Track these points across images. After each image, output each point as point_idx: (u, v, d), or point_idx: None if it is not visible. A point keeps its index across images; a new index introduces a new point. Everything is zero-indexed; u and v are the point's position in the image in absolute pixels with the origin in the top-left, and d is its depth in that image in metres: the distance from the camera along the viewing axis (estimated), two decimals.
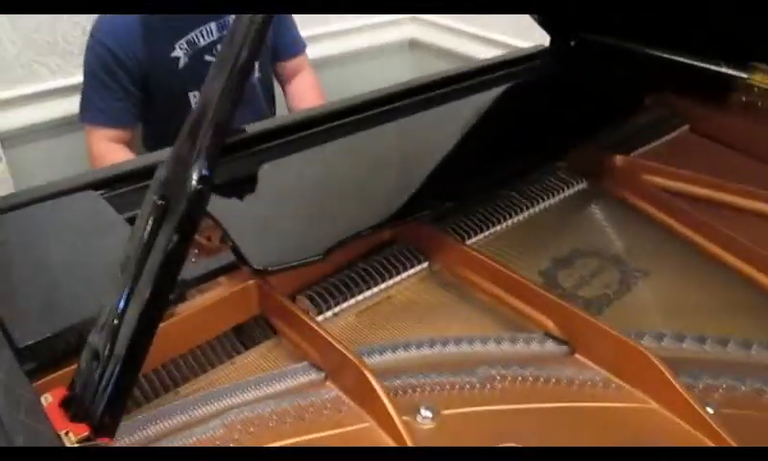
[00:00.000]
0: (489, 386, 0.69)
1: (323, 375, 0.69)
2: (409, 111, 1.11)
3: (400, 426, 0.61)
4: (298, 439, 0.63)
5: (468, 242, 0.88)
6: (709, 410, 0.65)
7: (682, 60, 1.21)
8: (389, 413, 0.62)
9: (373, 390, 0.63)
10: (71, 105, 1.50)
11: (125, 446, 0.60)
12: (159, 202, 0.48)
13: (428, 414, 0.65)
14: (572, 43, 1.31)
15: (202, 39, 1.46)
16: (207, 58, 1.46)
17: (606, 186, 1.01)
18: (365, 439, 0.63)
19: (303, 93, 1.67)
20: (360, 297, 0.80)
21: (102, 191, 0.86)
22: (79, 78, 1.50)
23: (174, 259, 0.48)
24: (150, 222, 0.49)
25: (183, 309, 0.73)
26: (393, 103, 1.13)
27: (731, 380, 0.69)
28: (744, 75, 1.16)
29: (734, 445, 0.61)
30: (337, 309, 0.78)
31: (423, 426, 0.64)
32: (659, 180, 1.00)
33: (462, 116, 1.10)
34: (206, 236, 0.86)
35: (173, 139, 0.49)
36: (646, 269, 0.87)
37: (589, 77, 1.23)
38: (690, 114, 1.18)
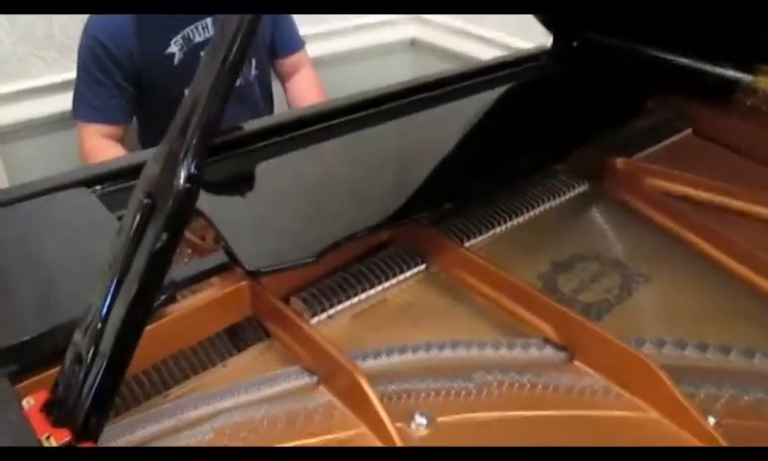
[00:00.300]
0: (485, 392, 0.67)
1: (315, 379, 0.68)
2: (409, 111, 1.09)
3: (393, 433, 0.59)
4: (289, 444, 0.61)
5: (467, 244, 0.86)
6: (711, 420, 0.63)
7: (685, 62, 1.19)
8: (382, 419, 0.60)
9: (366, 395, 0.61)
10: (68, 100, 1.48)
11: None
12: (146, 200, 0.47)
13: (423, 421, 0.63)
14: (575, 44, 1.30)
15: (197, 35, 1.44)
16: (203, 54, 1.44)
17: (607, 189, 1.00)
18: (357, 445, 0.61)
19: (303, 91, 1.65)
20: (355, 299, 0.78)
21: (94, 188, 0.85)
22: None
23: (161, 259, 0.47)
24: (137, 220, 0.47)
25: (175, 310, 0.71)
26: (392, 102, 1.11)
27: (733, 390, 0.68)
28: (749, 78, 1.14)
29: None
30: (332, 311, 0.76)
31: (417, 433, 0.63)
32: (661, 183, 0.99)
33: (462, 117, 1.09)
34: (200, 236, 0.84)
35: None
36: (647, 274, 0.85)
37: (592, 78, 1.21)
38: (694, 117, 1.16)
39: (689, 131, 1.15)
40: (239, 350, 0.74)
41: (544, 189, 0.98)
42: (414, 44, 2.18)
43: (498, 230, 0.91)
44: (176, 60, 1.43)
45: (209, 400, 0.66)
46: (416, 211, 0.84)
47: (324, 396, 0.66)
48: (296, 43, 1.65)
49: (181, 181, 0.45)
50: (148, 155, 0.51)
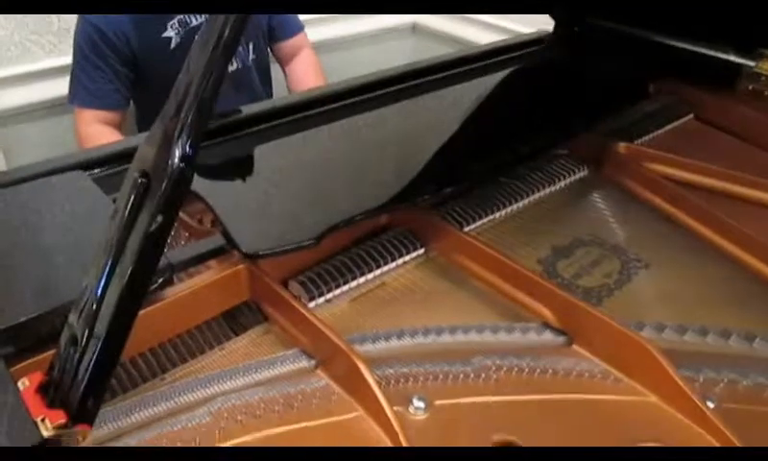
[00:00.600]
0: (483, 376, 0.67)
1: (313, 362, 0.68)
2: (409, 95, 1.09)
3: (391, 417, 0.59)
4: (286, 428, 0.61)
5: (466, 229, 0.86)
6: (710, 405, 0.63)
7: (687, 47, 1.18)
8: (380, 403, 0.60)
9: (364, 379, 0.61)
10: (66, 85, 1.47)
11: (107, 433, 0.59)
12: (141, 180, 0.46)
13: (421, 404, 0.63)
14: (576, 29, 1.29)
15: (194, 19, 1.43)
16: (198, 34, 1.42)
17: (608, 174, 0.99)
18: (354, 429, 0.61)
19: (303, 74, 1.64)
20: (354, 283, 0.78)
21: (91, 172, 0.84)
22: None
23: (155, 240, 0.46)
24: (131, 201, 0.46)
25: (172, 293, 0.71)
26: (392, 86, 1.10)
27: (732, 374, 0.67)
28: (751, 63, 1.14)
29: (735, 440, 0.59)
30: (330, 296, 0.76)
31: (416, 417, 0.63)
32: (662, 168, 0.98)
33: (463, 101, 1.08)
34: (198, 219, 0.84)
35: None
36: (647, 259, 0.85)
37: (593, 63, 1.20)
38: (696, 102, 1.15)
39: (691, 116, 1.15)
40: (237, 333, 0.74)
41: (545, 174, 0.97)
42: (415, 29, 2.16)
43: (498, 214, 0.90)
44: (173, 43, 1.42)
45: (206, 384, 0.65)
46: (415, 195, 0.84)
47: (322, 380, 0.66)
48: (294, 27, 1.64)
49: (176, 160, 0.44)
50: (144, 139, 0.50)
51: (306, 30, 1.69)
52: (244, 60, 1.49)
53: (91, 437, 0.55)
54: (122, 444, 0.59)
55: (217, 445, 0.59)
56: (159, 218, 0.46)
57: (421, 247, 0.83)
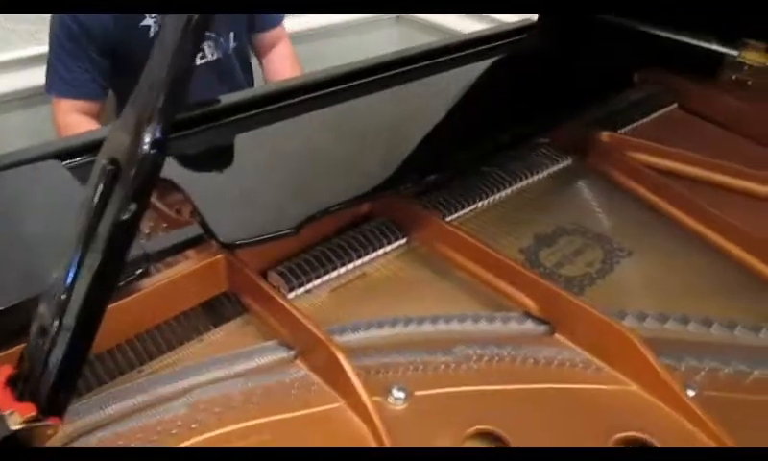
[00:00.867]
0: (464, 366, 0.66)
1: (292, 353, 0.67)
2: (392, 84, 1.08)
3: (370, 407, 0.58)
4: (264, 420, 0.60)
5: (448, 218, 0.85)
6: (691, 393, 0.63)
7: (672, 36, 1.18)
8: (359, 394, 0.59)
9: (343, 370, 0.60)
10: (43, 74, 1.44)
11: (79, 426, 0.58)
12: (110, 167, 0.45)
13: (401, 394, 0.62)
14: (560, 18, 1.28)
15: None
16: (167, 17, 1.40)
17: (592, 163, 0.99)
18: (334, 420, 0.61)
19: (279, 65, 1.62)
20: (334, 273, 0.77)
21: (67, 161, 0.82)
22: None
23: (126, 228, 0.45)
24: (100, 188, 0.45)
25: (149, 283, 0.69)
26: (375, 75, 1.09)
27: (714, 362, 0.67)
28: (735, 52, 1.13)
29: (714, 428, 0.58)
30: (310, 286, 0.75)
31: (395, 407, 0.62)
32: (645, 157, 0.98)
33: (446, 90, 1.07)
34: (176, 209, 0.82)
35: None
36: (630, 248, 0.85)
37: (577, 52, 1.20)
38: (680, 92, 1.15)
39: (675, 105, 1.14)
40: (216, 325, 0.73)
41: (528, 163, 0.97)
42: (399, 18, 2.15)
43: (481, 203, 0.90)
44: (151, 32, 1.39)
45: (184, 376, 0.65)
46: (397, 184, 0.83)
47: (301, 370, 0.65)
48: (275, 19, 1.62)
49: (146, 146, 0.43)
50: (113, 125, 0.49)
51: (290, 19, 1.68)
52: (225, 50, 1.47)
53: (62, 431, 0.54)
54: (96, 437, 0.57)
55: (194, 437, 0.58)
56: (129, 206, 0.45)
57: (403, 237, 0.82)
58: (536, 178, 0.95)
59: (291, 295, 0.74)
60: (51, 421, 0.48)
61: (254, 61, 1.67)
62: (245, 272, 0.70)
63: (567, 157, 0.99)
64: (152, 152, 0.43)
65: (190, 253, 0.74)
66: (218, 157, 0.89)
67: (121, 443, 0.57)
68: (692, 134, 1.07)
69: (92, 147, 0.85)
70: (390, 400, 0.62)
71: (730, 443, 0.57)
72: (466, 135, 0.94)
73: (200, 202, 0.73)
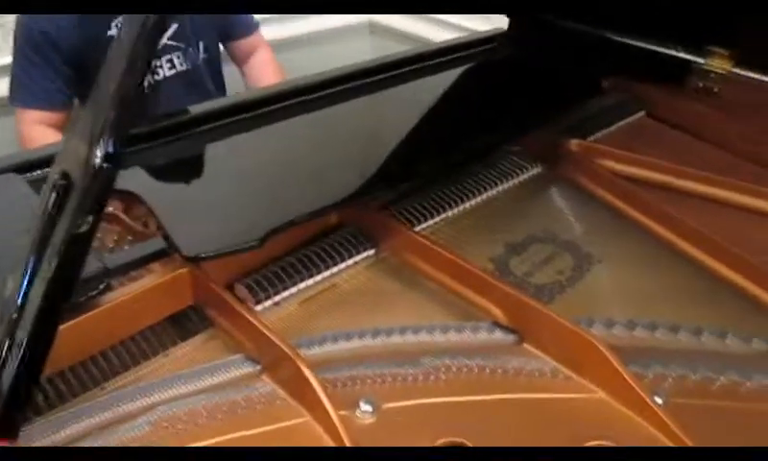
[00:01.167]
0: (433, 377, 0.66)
1: (258, 367, 0.66)
2: (362, 93, 1.07)
3: (336, 421, 0.58)
4: (228, 436, 0.59)
5: (418, 228, 0.85)
6: (658, 400, 0.63)
7: (639, 44, 1.19)
8: (325, 408, 0.58)
9: (309, 383, 0.59)
10: (6, 84, 1.41)
11: (39, 446, 0.56)
12: (62, 181, 0.44)
13: (368, 408, 0.61)
14: (530, 27, 1.29)
15: None
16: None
17: (561, 171, 0.99)
18: (300, 434, 0.60)
19: (259, 72, 1.61)
20: (303, 285, 0.76)
21: (27, 175, 0.81)
22: None
23: (78, 242, 0.44)
24: (51, 202, 0.44)
25: (111, 298, 0.68)
26: (345, 84, 1.08)
27: (681, 369, 0.67)
28: (701, 60, 1.15)
29: (682, 435, 0.59)
30: (277, 298, 0.74)
31: (363, 421, 0.61)
32: (614, 165, 0.98)
33: (416, 99, 1.07)
34: (143, 222, 0.81)
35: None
36: (600, 255, 0.85)
37: (547, 61, 1.20)
38: (647, 99, 1.16)
39: (643, 113, 1.15)
40: (182, 339, 0.72)
41: (498, 172, 0.97)
42: (372, 27, 2.15)
43: (451, 212, 0.89)
44: None
45: (147, 392, 0.63)
46: (366, 194, 0.82)
47: (267, 385, 0.64)
48: (249, 25, 1.61)
49: (98, 159, 0.42)
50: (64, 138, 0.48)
51: (262, 29, 1.67)
52: (195, 61, 1.46)
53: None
54: None
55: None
56: (82, 219, 0.44)
57: (372, 247, 0.82)
58: (506, 186, 0.95)
59: (258, 308, 0.73)
60: (2, 442, 0.47)
61: (227, 71, 1.66)
62: (209, 285, 0.69)
63: (537, 165, 0.99)
64: (105, 165, 0.42)
65: (155, 266, 0.73)
66: (183, 169, 0.88)
67: None
68: (660, 142, 1.08)
69: (52, 160, 0.83)
70: (357, 413, 0.62)
71: None
72: (435, 145, 0.94)
73: (163, 214, 0.72)
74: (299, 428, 0.60)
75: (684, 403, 0.64)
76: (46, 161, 0.82)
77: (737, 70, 1.10)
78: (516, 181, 0.97)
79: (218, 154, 0.91)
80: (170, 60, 1.44)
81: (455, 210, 0.90)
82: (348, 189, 0.83)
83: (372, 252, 0.81)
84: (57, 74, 1.34)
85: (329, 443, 0.58)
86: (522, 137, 1.00)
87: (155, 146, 0.90)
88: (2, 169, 0.79)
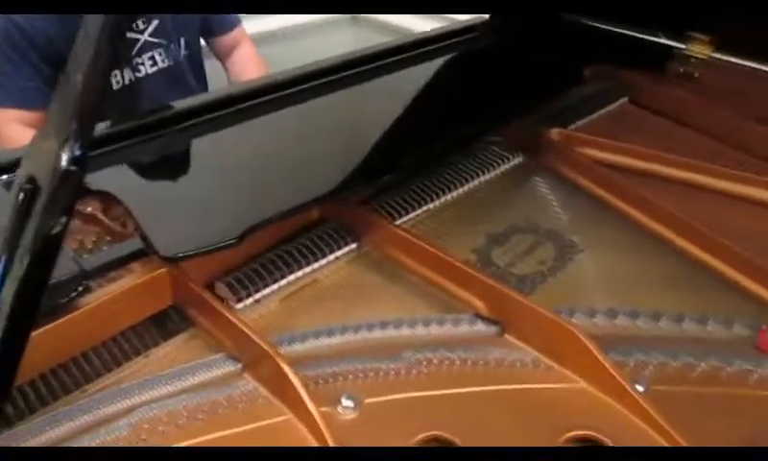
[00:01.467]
0: (415, 371, 0.66)
1: (239, 366, 0.65)
2: (345, 86, 1.06)
3: (318, 418, 0.58)
4: (210, 436, 0.59)
5: (399, 221, 0.85)
6: (639, 388, 0.63)
7: (621, 30, 1.19)
8: (305, 405, 0.58)
9: (289, 381, 0.59)
10: None
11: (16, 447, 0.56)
12: (28, 185, 0.43)
13: (350, 403, 0.61)
14: (512, 15, 1.28)
15: None
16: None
17: (543, 161, 0.99)
18: (282, 432, 0.60)
19: (242, 66, 1.60)
20: (284, 281, 0.76)
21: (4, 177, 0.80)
22: None
23: (46, 246, 0.44)
24: (18, 207, 0.44)
25: (90, 300, 0.68)
26: (328, 77, 1.08)
27: (662, 356, 0.68)
28: (682, 46, 1.15)
29: (663, 422, 0.59)
30: (258, 296, 0.74)
31: (345, 417, 0.61)
32: (595, 153, 0.98)
33: (396, 91, 1.07)
34: (121, 223, 0.80)
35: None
36: (582, 244, 0.85)
37: (528, 49, 1.20)
38: (630, 86, 1.16)
39: (626, 99, 1.15)
40: (164, 339, 0.71)
41: (480, 162, 0.97)
42: (355, 19, 2.14)
43: (432, 205, 0.89)
44: None
45: (128, 394, 0.63)
46: (346, 188, 0.82)
47: (249, 383, 0.64)
48: (230, 20, 1.59)
49: (64, 163, 0.42)
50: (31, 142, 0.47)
51: (244, 22, 1.65)
52: (176, 57, 1.44)
53: None
54: None
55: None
56: (52, 222, 0.43)
57: (354, 241, 0.81)
58: (487, 177, 0.95)
59: (239, 306, 0.72)
60: None
61: (209, 66, 1.64)
62: (188, 285, 0.69)
63: (519, 155, 0.99)
64: (71, 168, 0.42)
65: (135, 266, 0.73)
66: (163, 167, 0.87)
67: None
68: (643, 128, 1.08)
69: None
70: (339, 409, 0.62)
71: (677, 436, 0.58)
72: (417, 137, 0.93)
73: (141, 214, 0.72)
74: (280, 426, 0.60)
75: (666, 390, 0.64)
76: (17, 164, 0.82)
77: (718, 55, 1.10)
78: (497, 171, 0.97)
79: (198, 150, 0.91)
80: (152, 57, 1.42)
81: (437, 202, 0.90)
82: (329, 184, 0.82)
83: (353, 246, 0.81)
84: (35, 72, 1.32)
85: (311, 440, 0.58)
86: (504, 127, 1.00)
87: (134, 144, 0.89)
88: None
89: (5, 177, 0.80)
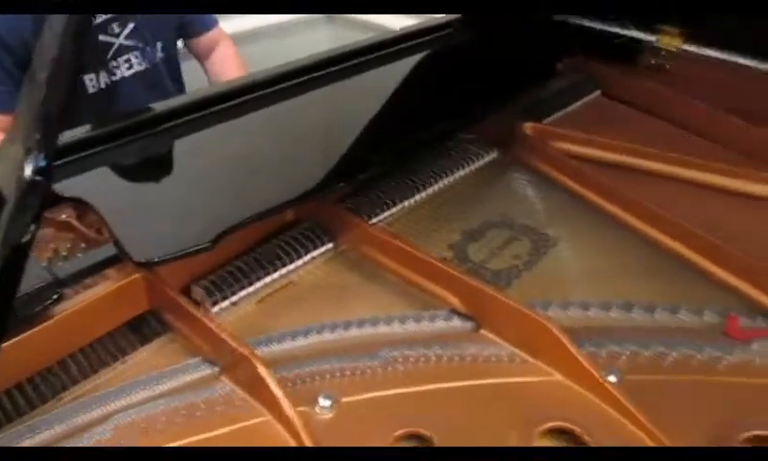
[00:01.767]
0: (391, 369, 0.66)
1: (217, 369, 0.66)
2: (321, 85, 1.06)
3: (294, 419, 0.58)
4: (189, 439, 0.59)
5: (375, 220, 0.85)
6: (612, 378, 0.64)
7: (592, 24, 1.20)
8: (282, 405, 0.58)
9: (265, 382, 0.60)
10: None
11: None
12: None
13: (326, 403, 0.62)
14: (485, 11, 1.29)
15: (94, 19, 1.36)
16: (102, 38, 1.36)
17: (517, 155, 1.00)
18: (260, 434, 0.60)
19: (221, 66, 1.59)
20: (260, 283, 0.76)
21: None
22: None
23: (16, 254, 0.43)
24: None
25: (65, 308, 0.67)
26: (303, 76, 1.07)
27: (634, 346, 0.69)
28: (652, 38, 1.16)
29: (636, 412, 0.60)
30: (235, 298, 0.74)
31: (322, 416, 0.62)
32: (569, 146, 0.99)
33: (371, 89, 1.07)
34: (96, 229, 0.80)
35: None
36: (556, 238, 0.86)
37: (502, 45, 1.21)
38: (603, 78, 1.17)
39: (598, 92, 1.16)
40: (141, 343, 0.71)
41: (454, 159, 0.97)
42: (331, 17, 2.14)
43: (408, 202, 0.90)
44: None
45: (105, 401, 0.63)
46: (321, 188, 0.82)
47: (227, 386, 0.64)
48: (207, 21, 1.59)
49: (29, 173, 0.41)
50: None
51: (220, 22, 1.65)
52: (152, 60, 1.44)
53: None
54: None
55: None
56: (20, 231, 0.43)
57: (330, 241, 0.82)
58: (462, 173, 0.96)
59: (216, 309, 0.72)
60: None
61: (185, 68, 1.63)
62: (164, 289, 0.69)
63: (493, 151, 1.00)
64: (36, 179, 0.42)
65: (111, 272, 0.72)
66: (136, 171, 0.87)
67: None
68: (615, 120, 1.10)
69: None
70: (317, 409, 0.62)
71: (650, 425, 0.59)
72: (391, 134, 0.94)
73: (115, 220, 0.71)
74: (259, 428, 0.60)
75: (638, 380, 0.65)
76: None
77: (687, 47, 1.12)
78: (472, 167, 0.97)
79: (173, 153, 0.91)
80: (128, 61, 1.41)
81: (413, 200, 0.90)
82: (305, 184, 0.82)
83: (330, 246, 0.82)
84: (9, 77, 1.31)
85: (290, 440, 0.59)
86: (478, 123, 1.01)
87: (109, 148, 0.88)
88: None
89: None
